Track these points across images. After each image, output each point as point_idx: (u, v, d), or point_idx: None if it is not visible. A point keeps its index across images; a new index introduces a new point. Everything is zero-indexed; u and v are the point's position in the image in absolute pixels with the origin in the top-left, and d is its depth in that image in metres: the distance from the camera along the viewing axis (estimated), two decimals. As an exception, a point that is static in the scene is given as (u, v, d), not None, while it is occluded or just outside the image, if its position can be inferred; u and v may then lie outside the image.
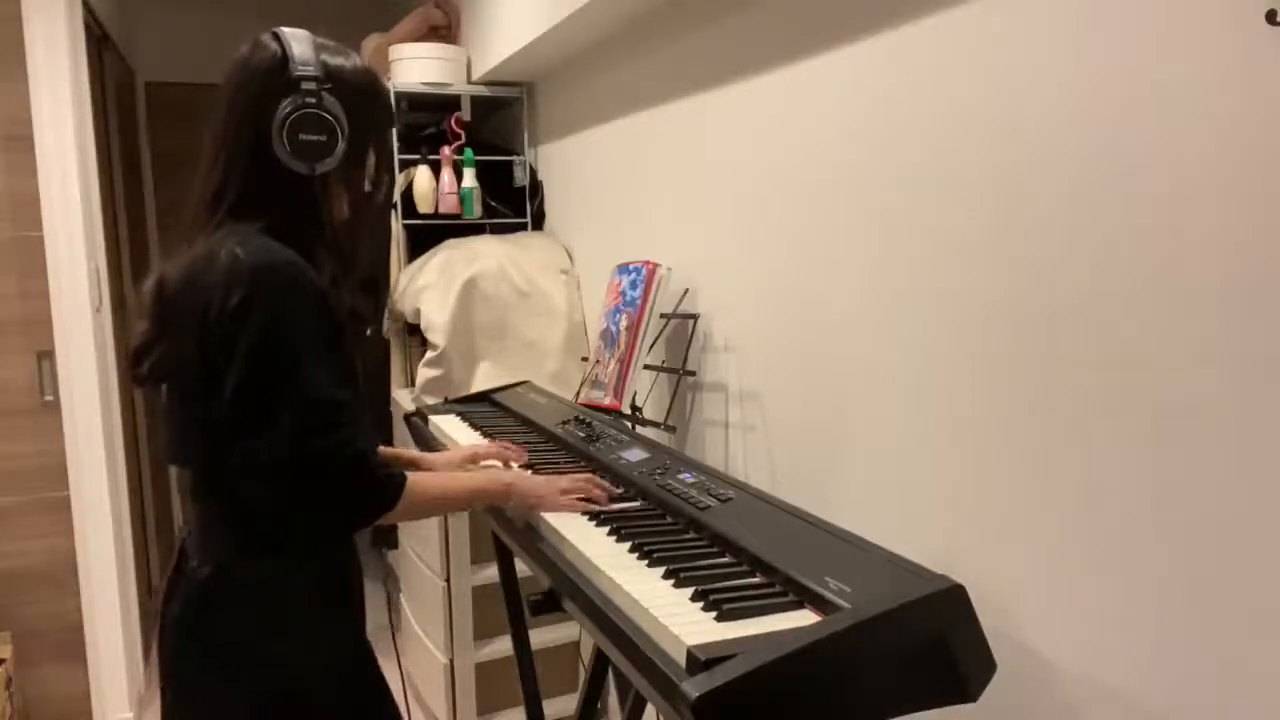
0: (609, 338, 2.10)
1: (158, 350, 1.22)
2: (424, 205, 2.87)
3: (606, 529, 1.34)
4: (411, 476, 1.24)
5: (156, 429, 3.96)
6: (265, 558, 1.22)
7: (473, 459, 1.62)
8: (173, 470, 4.38)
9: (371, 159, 1.30)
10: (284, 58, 1.21)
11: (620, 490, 1.50)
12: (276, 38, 1.23)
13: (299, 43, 1.22)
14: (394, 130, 1.39)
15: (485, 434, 1.95)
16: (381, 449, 1.57)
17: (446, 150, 2.88)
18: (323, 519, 1.20)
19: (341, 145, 1.22)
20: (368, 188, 1.31)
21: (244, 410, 1.14)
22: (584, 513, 1.40)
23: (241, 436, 1.14)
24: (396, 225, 2.92)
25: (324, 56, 1.23)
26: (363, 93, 1.26)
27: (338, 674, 1.27)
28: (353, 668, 1.31)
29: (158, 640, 1.29)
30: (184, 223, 1.25)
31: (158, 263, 1.27)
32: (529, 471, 1.59)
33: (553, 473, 1.57)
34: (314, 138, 1.20)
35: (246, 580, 1.22)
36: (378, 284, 1.43)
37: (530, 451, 1.76)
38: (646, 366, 2.06)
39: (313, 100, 1.20)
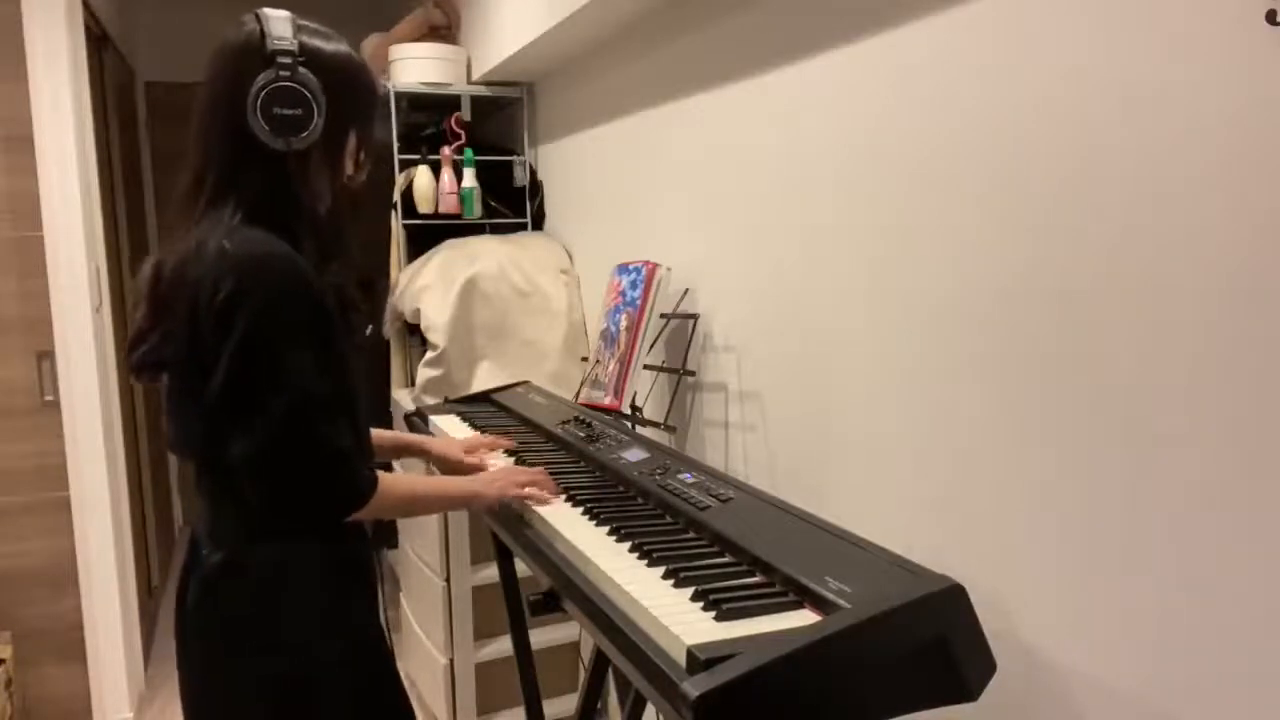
0: (609, 338, 2.10)
1: (151, 341, 1.23)
2: (424, 205, 2.87)
3: (607, 529, 1.34)
4: (384, 479, 1.25)
5: (159, 425, 3.96)
6: (272, 543, 1.23)
7: (470, 450, 1.69)
8: (174, 466, 4.38)
9: (353, 142, 1.30)
10: (261, 35, 1.21)
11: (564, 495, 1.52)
12: (256, 17, 1.23)
13: (277, 21, 1.22)
14: (378, 117, 1.38)
15: (484, 434, 1.95)
16: (379, 432, 1.59)
17: (446, 150, 2.88)
18: (296, 513, 1.21)
19: (318, 121, 1.21)
20: (350, 170, 1.31)
21: (229, 405, 1.15)
22: (537, 502, 1.46)
23: (228, 430, 1.16)
24: (396, 225, 2.92)
25: (302, 36, 1.23)
26: (341, 72, 1.26)
27: (344, 658, 1.27)
28: (360, 652, 1.31)
29: (174, 627, 1.30)
30: (173, 210, 1.25)
31: (154, 250, 1.27)
32: (501, 461, 1.68)
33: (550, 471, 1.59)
34: (289, 112, 1.19)
35: (253, 565, 1.23)
36: (373, 280, 1.44)
37: (530, 452, 1.76)
38: (646, 366, 2.06)
39: (286, 74, 1.19)
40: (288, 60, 1.20)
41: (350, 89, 1.27)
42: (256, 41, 1.21)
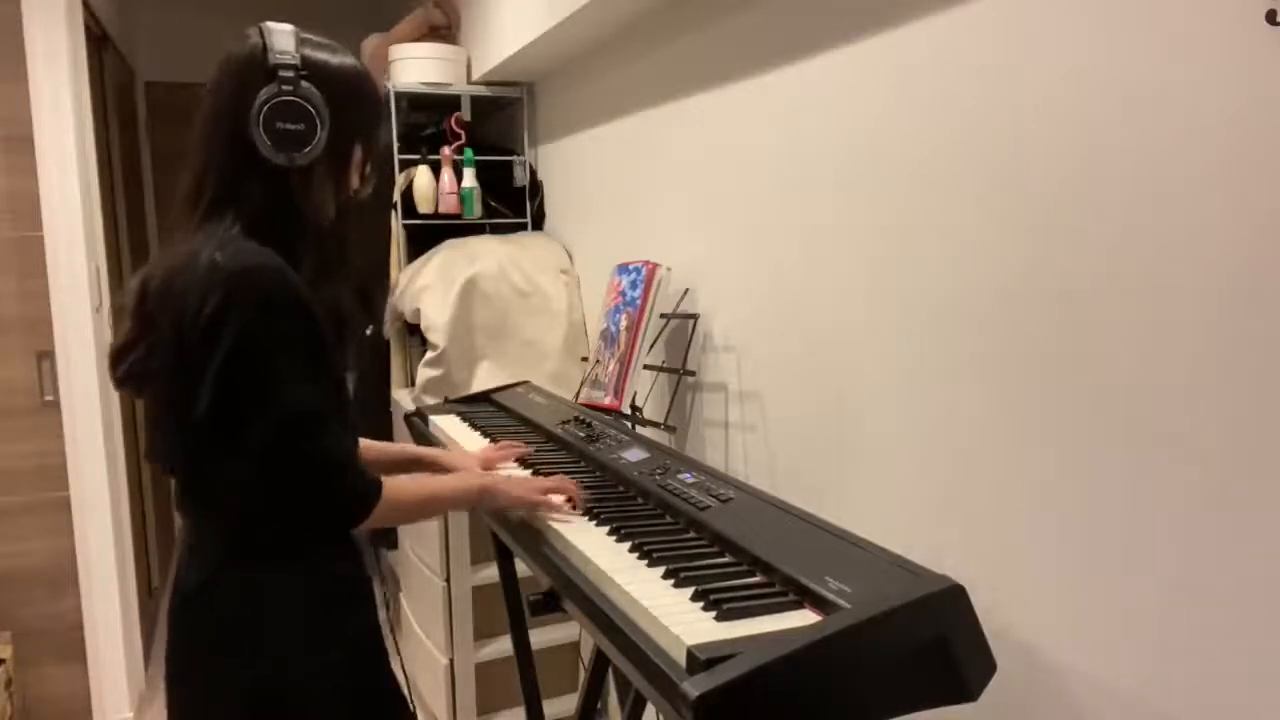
0: (609, 338, 2.10)
1: (136, 353, 1.20)
2: (424, 205, 2.87)
3: (606, 529, 1.34)
4: (387, 484, 1.23)
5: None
6: (255, 561, 1.20)
7: (487, 465, 1.63)
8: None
9: (358, 154, 1.28)
10: (264, 49, 1.20)
11: (588, 505, 1.45)
12: (260, 31, 1.22)
13: (280, 34, 1.21)
14: (383, 129, 1.36)
15: (485, 434, 1.95)
16: (385, 445, 1.57)
17: (446, 150, 2.88)
18: (298, 528, 1.19)
19: (321, 135, 1.20)
20: (355, 183, 1.29)
21: (219, 420, 1.12)
22: (551, 512, 1.40)
23: (218, 446, 1.13)
24: (396, 225, 2.92)
25: (305, 50, 1.22)
26: (346, 85, 1.24)
27: (339, 672, 1.25)
28: (350, 667, 1.28)
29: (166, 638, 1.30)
30: (170, 221, 1.24)
31: (154, 250, 1.25)
32: (511, 472, 1.61)
33: (551, 472, 1.58)
34: (292, 127, 1.18)
35: (237, 582, 1.20)
36: (369, 287, 1.42)
37: (534, 455, 1.76)
38: (646, 366, 2.06)
39: (289, 88, 1.18)
40: (290, 74, 1.18)
41: (355, 102, 1.25)
42: (259, 55, 1.19)
